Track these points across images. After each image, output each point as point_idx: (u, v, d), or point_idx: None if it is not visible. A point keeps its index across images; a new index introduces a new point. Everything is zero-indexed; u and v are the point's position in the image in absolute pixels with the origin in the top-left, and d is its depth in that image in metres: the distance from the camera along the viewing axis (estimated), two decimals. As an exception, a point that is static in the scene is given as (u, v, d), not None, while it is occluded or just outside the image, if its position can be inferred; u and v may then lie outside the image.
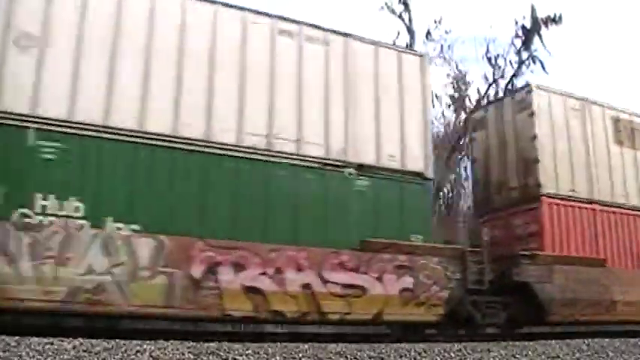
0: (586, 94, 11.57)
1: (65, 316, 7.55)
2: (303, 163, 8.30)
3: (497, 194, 11.24)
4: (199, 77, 8.00)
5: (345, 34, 9.02)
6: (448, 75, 20.27)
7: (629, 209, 11.16)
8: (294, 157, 8.29)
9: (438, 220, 18.07)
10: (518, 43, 20.74)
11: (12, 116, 6.99)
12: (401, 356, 6.43)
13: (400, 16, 20.56)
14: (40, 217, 6.80)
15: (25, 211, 6.79)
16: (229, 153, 7.96)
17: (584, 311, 9.84)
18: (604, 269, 10.31)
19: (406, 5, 20.53)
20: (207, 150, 7.84)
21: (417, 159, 9.07)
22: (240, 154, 8.01)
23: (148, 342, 5.89)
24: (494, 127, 11.53)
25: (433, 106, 19.20)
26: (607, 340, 8.40)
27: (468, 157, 18.57)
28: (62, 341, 5.59)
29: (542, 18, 20.24)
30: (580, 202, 10.61)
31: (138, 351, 5.52)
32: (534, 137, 10.50)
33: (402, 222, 8.70)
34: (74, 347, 5.43)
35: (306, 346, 6.48)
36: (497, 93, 19.12)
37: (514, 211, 10.67)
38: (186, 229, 7.45)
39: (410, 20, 20.56)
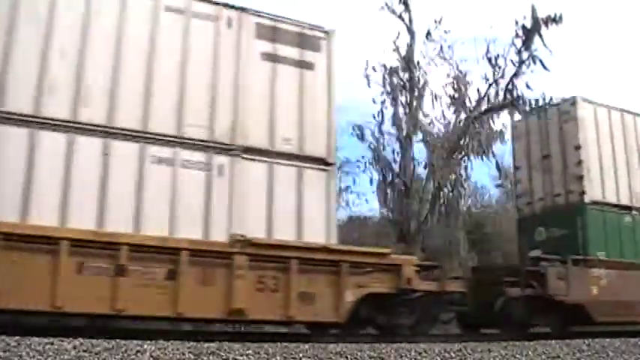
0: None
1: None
2: None
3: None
4: None
5: None
6: (448, 75, 20.22)
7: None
8: None
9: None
10: (519, 43, 20.72)
11: None
12: (401, 356, 6.43)
13: (400, 17, 20.53)
14: None
15: None
16: None
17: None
18: None
19: (406, 5, 20.50)
20: None
21: None
22: None
23: (148, 342, 5.90)
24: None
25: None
26: (607, 340, 8.40)
27: (468, 158, 18.65)
28: (62, 341, 5.59)
29: (543, 18, 20.21)
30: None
31: (138, 351, 5.52)
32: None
33: None
34: (74, 347, 5.43)
35: (306, 346, 6.48)
36: (497, 93, 19.09)
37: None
38: None
39: (410, 20, 20.53)
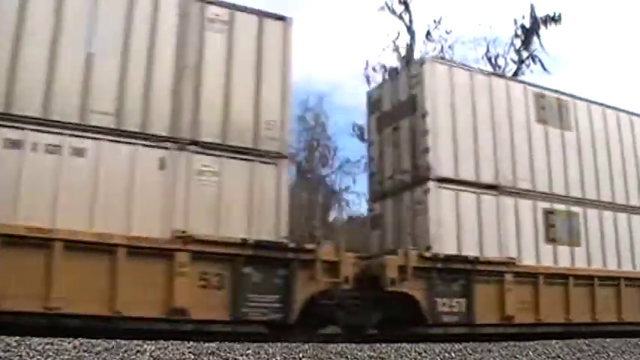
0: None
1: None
2: None
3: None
4: None
5: None
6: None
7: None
8: None
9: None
10: (518, 42, 20.75)
11: None
12: (401, 356, 6.43)
13: (400, 17, 20.57)
14: None
15: None
16: None
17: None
18: None
19: (406, 5, 20.54)
20: None
21: None
22: None
23: (148, 342, 5.89)
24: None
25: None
26: (608, 340, 8.40)
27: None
28: (62, 341, 5.59)
29: (542, 17, 20.23)
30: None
31: (138, 351, 5.52)
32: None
33: None
34: (74, 347, 5.43)
35: (306, 346, 6.48)
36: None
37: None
38: None
39: (410, 20, 20.58)
